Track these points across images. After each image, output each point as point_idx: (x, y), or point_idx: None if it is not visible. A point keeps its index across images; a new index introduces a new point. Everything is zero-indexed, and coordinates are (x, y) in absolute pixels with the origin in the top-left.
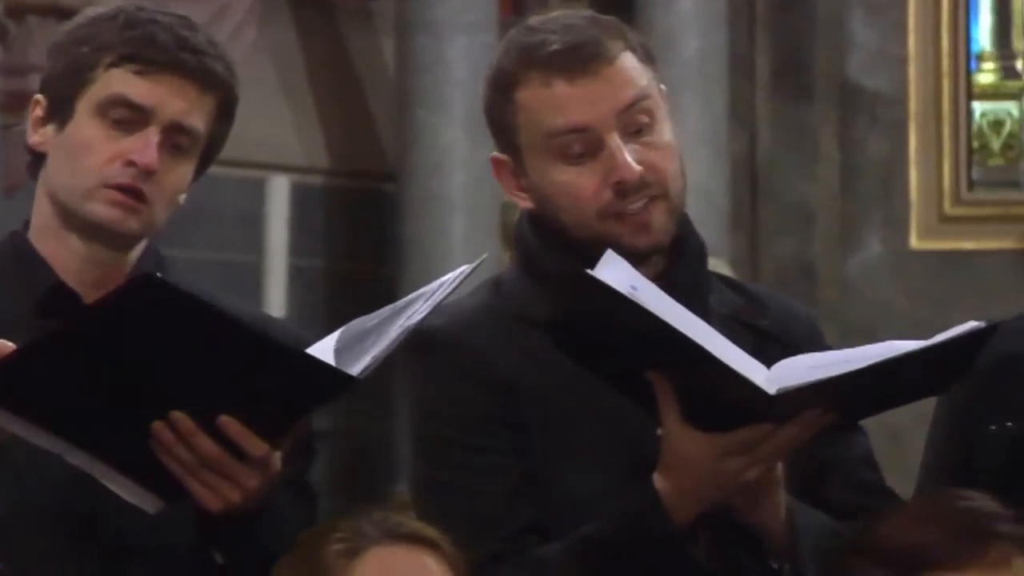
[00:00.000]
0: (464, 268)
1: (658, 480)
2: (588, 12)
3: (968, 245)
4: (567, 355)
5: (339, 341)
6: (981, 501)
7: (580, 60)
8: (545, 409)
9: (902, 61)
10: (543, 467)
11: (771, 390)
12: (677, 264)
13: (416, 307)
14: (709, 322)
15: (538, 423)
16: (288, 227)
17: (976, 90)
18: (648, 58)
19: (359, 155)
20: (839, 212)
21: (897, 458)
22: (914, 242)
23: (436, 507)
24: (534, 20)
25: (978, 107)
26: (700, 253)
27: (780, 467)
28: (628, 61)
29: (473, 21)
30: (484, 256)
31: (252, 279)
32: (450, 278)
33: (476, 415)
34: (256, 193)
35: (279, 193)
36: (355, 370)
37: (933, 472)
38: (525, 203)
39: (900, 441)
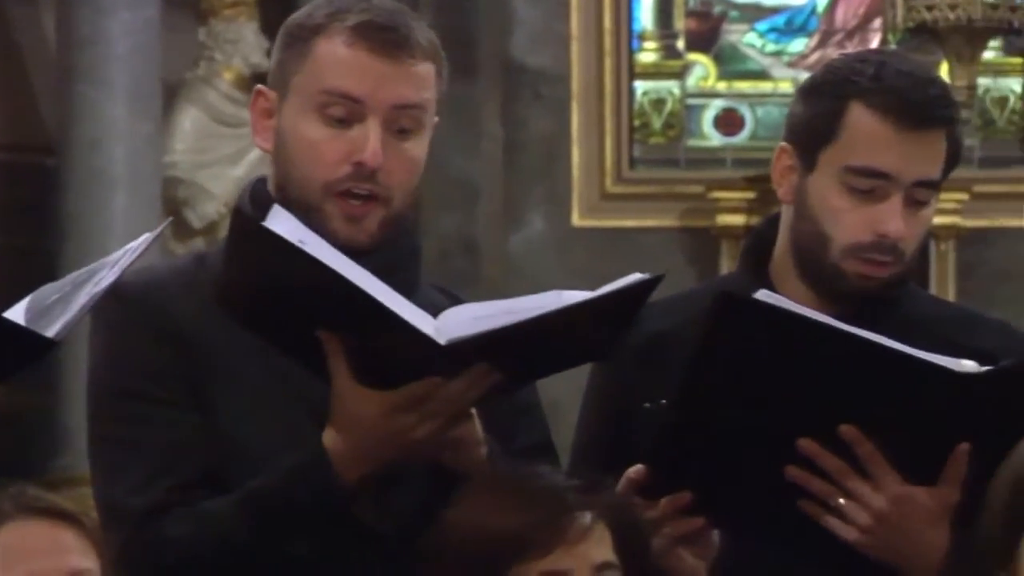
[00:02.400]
0: (147, 235)
1: (327, 437)
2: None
3: (629, 223)
4: (235, 319)
5: (27, 311)
6: (549, 477)
7: (389, 40)
8: (222, 363)
9: (565, 39)
10: (219, 421)
11: (441, 341)
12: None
13: (102, 274)
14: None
15: (214, 377)
16: None
17: (638, 69)
18: (441, 77)
19: (20, 129)
20: (502, 189)
21: (555, 433)
22: (576, 219)
23: (105, 459)
24: None
25: (640, 86)
26: (411, 253)
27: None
28: (427, 69)
29: None
30: (170, 219)
31: None
32: (134, 245)
33: (149, 367)
34: None
35: None
36: (50, 333)
37: (585, 450)
38: (264, 143)
39: (559, 414)
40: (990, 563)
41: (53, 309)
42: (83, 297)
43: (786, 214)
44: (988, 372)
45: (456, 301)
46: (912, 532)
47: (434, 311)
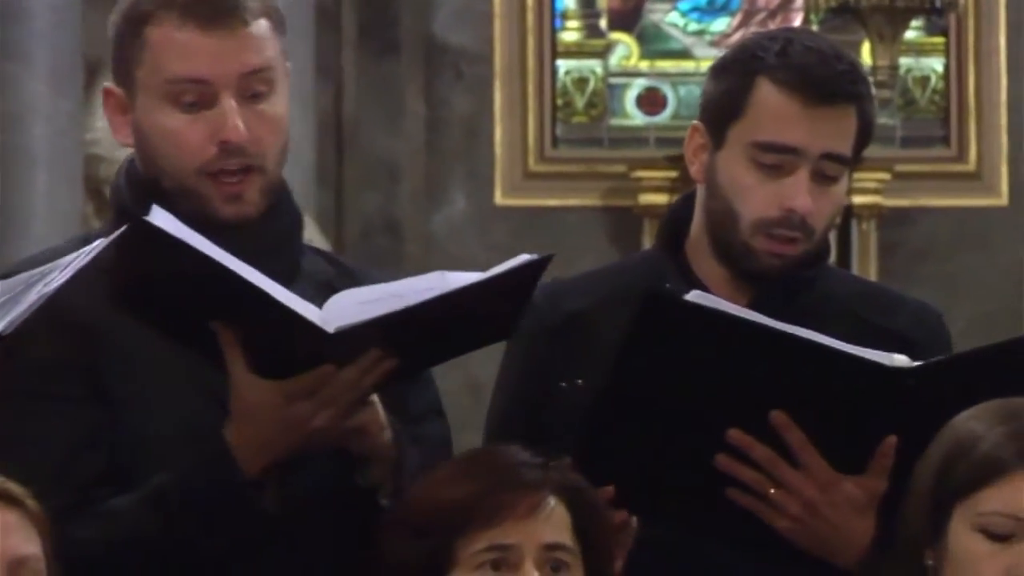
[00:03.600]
0: (101, 240)
1: (228, 430)
2: None
3: (552, 202)
4: (129, 312)
5: None
6: (507, 452)
7: (218, 13)
8: (123, 354)
9: (487, 18)
10: (121, 413)
11: (329, 329)
12: (265, 232)
13: (53, 275)
14: (300, 285)
15: (116, 368)
16: None
17: (560, 48)
18: (280, 28)
19: None
20: (424, 168)
21: (478, 413)
22: (499, 198)
23: (8, 460)
24: None
25: (562, 64)
26: (293, 222)
27: (380, 412)
28: (262, 28)
29: None
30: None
31: None
32: (87, 249)
33: (48, 361)
34: None
35: None
36: None
37: (500, 428)
38: (126, 139)
39: (480, 395)
40: (915, 550)
41: (3, 307)
42: (33, 295)
43: (700, 193)
44: (920, 367)
45: (339, 266)
46: (840, 521)
47: (318, 279)
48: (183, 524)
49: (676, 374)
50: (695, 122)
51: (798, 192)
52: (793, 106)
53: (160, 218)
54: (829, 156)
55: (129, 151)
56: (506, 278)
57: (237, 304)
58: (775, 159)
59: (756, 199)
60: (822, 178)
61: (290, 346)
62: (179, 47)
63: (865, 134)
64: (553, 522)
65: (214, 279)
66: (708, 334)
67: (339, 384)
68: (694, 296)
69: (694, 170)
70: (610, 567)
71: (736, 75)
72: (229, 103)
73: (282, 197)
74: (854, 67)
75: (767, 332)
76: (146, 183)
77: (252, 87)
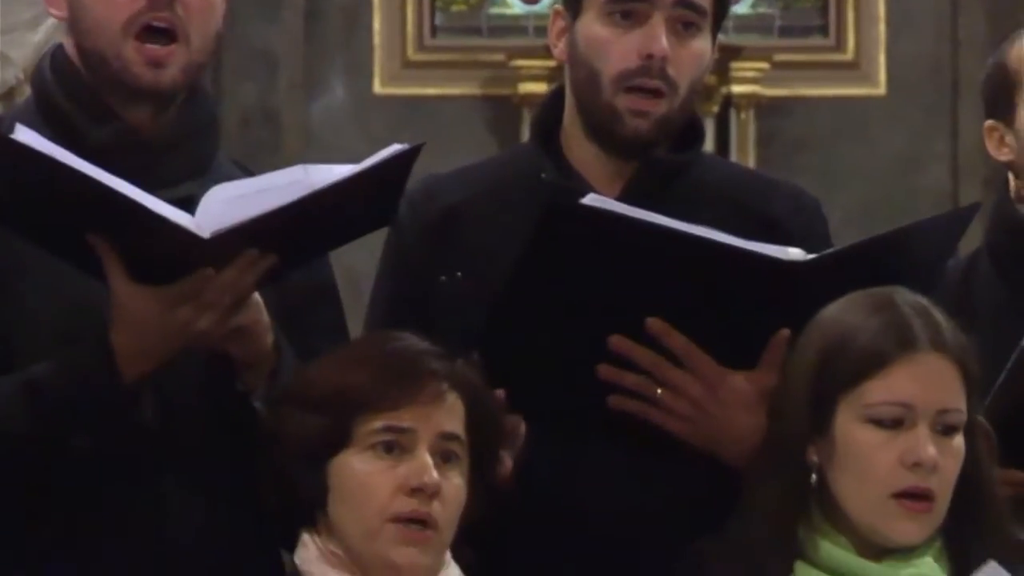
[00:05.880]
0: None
1: (111, 338)
2: None
3: (431, 91)
4: (8, 228)
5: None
6: (410, 340)
7: None
8: (2, 266)
9: None
10: (9, 297)
11: (204, 234)
12: (180, 123)
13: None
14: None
15: (5, 259)
16: None
17: None
18: None
19: None
20: (302, 58)
21: (356, 304)
22: (377, 87)
23: None
24: None
25: None
26: (208, 120)
27: (263, 314)
28: None
29: None
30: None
31: None
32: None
33: None
34: None
35: None
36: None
37: (380, 324)
38: (59, 12)
39: (358, 287)
40: (796, 447)
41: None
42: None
43: (567, 74)
44: (815, 259)
45: (250, 175)
46: (729, 417)
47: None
48: (56, 422)
49: (574, 279)
50: (556, 6)
51: (653, 37)
52: None
53: (25, 135)
54: (683, 3)
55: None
56: (377, 170)
57: (111, 215)
58: (628, 6)
59: (614, 52)
60: (679, 27)
61: (167, 253)
62: None
63: None
64: (451, 413)
65: (85, 192)
66: (606, 236)
67: (218, 287)
68: (590, 200)
69: (558, 52)
70: (494, 467)
71: None
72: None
73: (200, 93)
74: None
75: (661, 230)
76: (70, 74)
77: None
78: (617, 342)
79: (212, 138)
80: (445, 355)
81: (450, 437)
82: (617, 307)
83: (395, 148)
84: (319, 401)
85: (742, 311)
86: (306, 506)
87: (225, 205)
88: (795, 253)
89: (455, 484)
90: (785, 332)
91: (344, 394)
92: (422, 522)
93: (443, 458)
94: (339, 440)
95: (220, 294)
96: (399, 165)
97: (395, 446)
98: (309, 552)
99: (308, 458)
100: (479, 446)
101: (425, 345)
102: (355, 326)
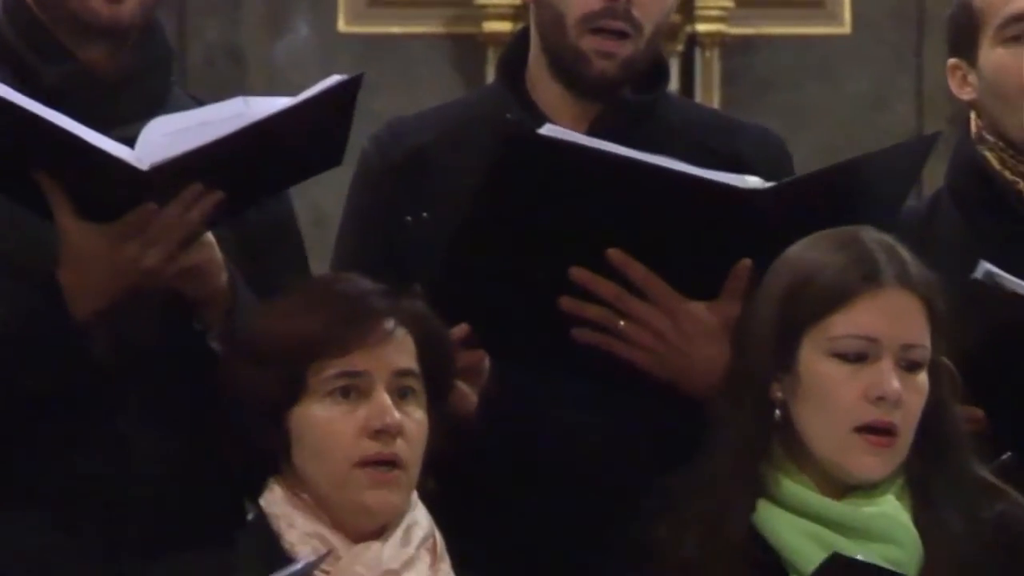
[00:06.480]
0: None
1: (60, 275)
2: None
3: (395, 29)
4: None
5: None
6: (352, 282)
7: None
8: None
9: None
10: None
11: (143, 166)
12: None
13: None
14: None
15: None
16: None
17: None
18: None
19: None
20: None
21: (323, 243)
22: (342, 25)
23: None
24: None
25: None
26: (164, 54)
27: (216, 253)
28: None
29: None
30: None
31: None
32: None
33: None
34: None
35: None
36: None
37: (346, 265)
38: None
39: (325, 226)
40: (760, 383)
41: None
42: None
43: (531, 14)
44: (773, 187)
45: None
46: (691, 347)
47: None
48: (8, 361)
49: (534, 211)
50: None
51: None
52: None
53: None
54: None
55: None
56: (318, 101)
57: (52, 150)
58: None
59: None
60: None
61: (111, 189)
62: None
63: None
64: (402, 349)
65: (24, 126)
66: (564, 167)
67: (163, 222)
68: (547, 130)
69: None
70: (448, 396)
71: None
72: None
73: (154, 29)
74: None
75: (619, 160)
76: (23, 13)
77: None
78: (578, 274)
79: (166, 74)
80: (388, 292)
81: (405, 373)
82: (578, 239)
83: (335, 79)
84: (270, 354)
85: (703, 242)
86: (269, 458)
87: (166, 138)
88: (753, 181)
89: (416, 419)
90: (746, 262)
91: (294, 345)
92: (389, 463)
93: (400, 395)
94: (295, 391)
95: (165, 230)
96: (342, 98)
97: (352, 390)
98: (275, 495)
99: (266, 413)
100: (434, 377)
101: (367, 284)
102: (322, 266)
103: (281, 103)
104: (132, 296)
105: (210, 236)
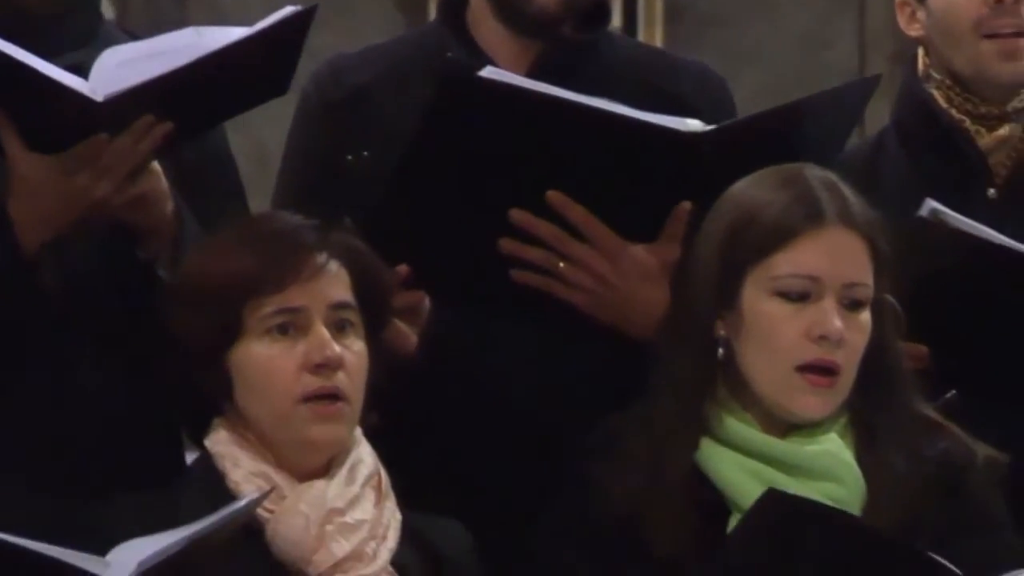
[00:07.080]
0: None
1: (9, 207)
2: None
3: None
4: None
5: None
6: (282, 218)
7: None
8: None
9: None
10: None
11: (98, 97)
12: None
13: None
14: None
15: None
16: None
17: None
18: None
19: None
20: None
21: (265, 179)
22: None
23: None
24: None
25: None
26: None
27: (162, 182)
28: None
29: None
30: None
31: None
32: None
33: None
34: None
35: None
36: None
37: (287, 202)
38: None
39: (267, 162)
40: (704, 321)
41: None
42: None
43: None
44: (714, 130)
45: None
46: (631, 290)
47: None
48: None
49: (473, 153)
50: None
51: None
52: None
53: None
54: None
55: None
56: (271, 32)
57: (2, 81)
58: None
59: None
60: None
61: (62, 120)
62: None
63: None
64: (336, 282)
65: None
66: (503, 108)
67: (115, 152)
68: (488, 72)
69: None
70: (385, 328)
71: None
72: None
73: None
74: None
75: (559, 102)
76: None
77: None
78: (518, 215)
79: (95, 9)
80: (319, 226)
81: (341, 306)
82: (518, 181)
83: (289, 9)
84: (204, 297)
85: (643, 185)
86: (211, 399)
87: (119, 69)
88: (694, 124)
89: (356, 351)
90: (686, 205)
91: (228, 285)
92: (331, 396)
93: (338, 328)
94: (233, 331)
95: (117, 160)
96: (294, 28)
97: (290, 327)
98: (220, 435)
99: (205, 355)
100: (371, 309)
101: (298, 220)
102: (264, 202)
103: (234, 33)
104: (78, 226)
105: (156, 165)
